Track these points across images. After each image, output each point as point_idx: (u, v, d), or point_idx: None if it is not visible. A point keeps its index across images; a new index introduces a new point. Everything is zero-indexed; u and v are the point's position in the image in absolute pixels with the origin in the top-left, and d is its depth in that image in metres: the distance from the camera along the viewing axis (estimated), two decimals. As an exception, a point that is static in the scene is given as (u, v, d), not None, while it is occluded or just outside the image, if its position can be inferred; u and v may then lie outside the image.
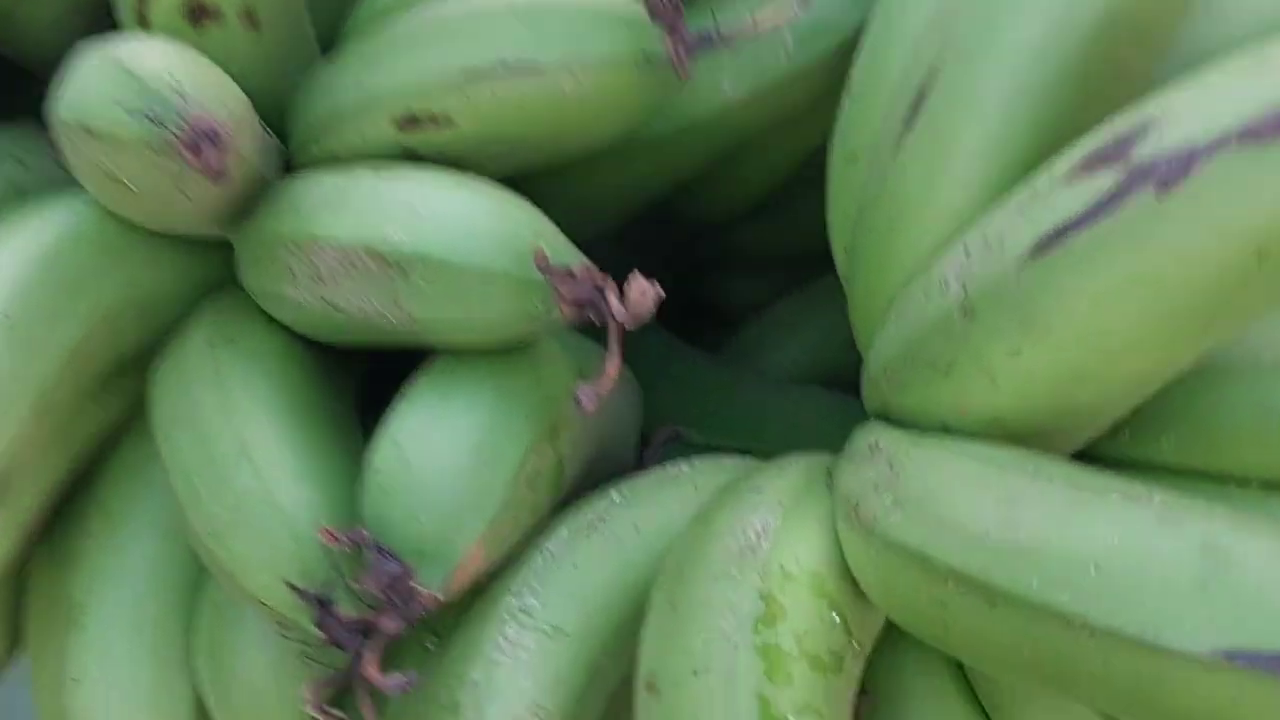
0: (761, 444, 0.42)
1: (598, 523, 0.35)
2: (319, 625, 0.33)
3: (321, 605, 0.33)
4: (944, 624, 0.29)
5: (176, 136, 0.33)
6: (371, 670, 0.31)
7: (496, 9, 0.36)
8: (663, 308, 0.33)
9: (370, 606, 0.32)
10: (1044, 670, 0.28)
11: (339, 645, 0.33)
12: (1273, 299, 0.29)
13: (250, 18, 0.39)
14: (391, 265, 0.34)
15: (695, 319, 0.50)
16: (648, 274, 0.33)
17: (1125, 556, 0.26)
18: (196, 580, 0.39)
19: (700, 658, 0.30)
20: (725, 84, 0.39)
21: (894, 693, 0.34)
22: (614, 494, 0.36)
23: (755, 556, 0.31)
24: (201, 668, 0.39)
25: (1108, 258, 0.28)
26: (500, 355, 0.35)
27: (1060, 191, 0.29)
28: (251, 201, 0.38)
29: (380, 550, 0.32)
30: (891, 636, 0.35)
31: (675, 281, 0.50)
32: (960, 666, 0.35)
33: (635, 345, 0.44)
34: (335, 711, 0.33)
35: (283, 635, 0.36)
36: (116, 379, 0.39)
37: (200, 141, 0.33)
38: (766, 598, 0.31)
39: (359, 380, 0.41)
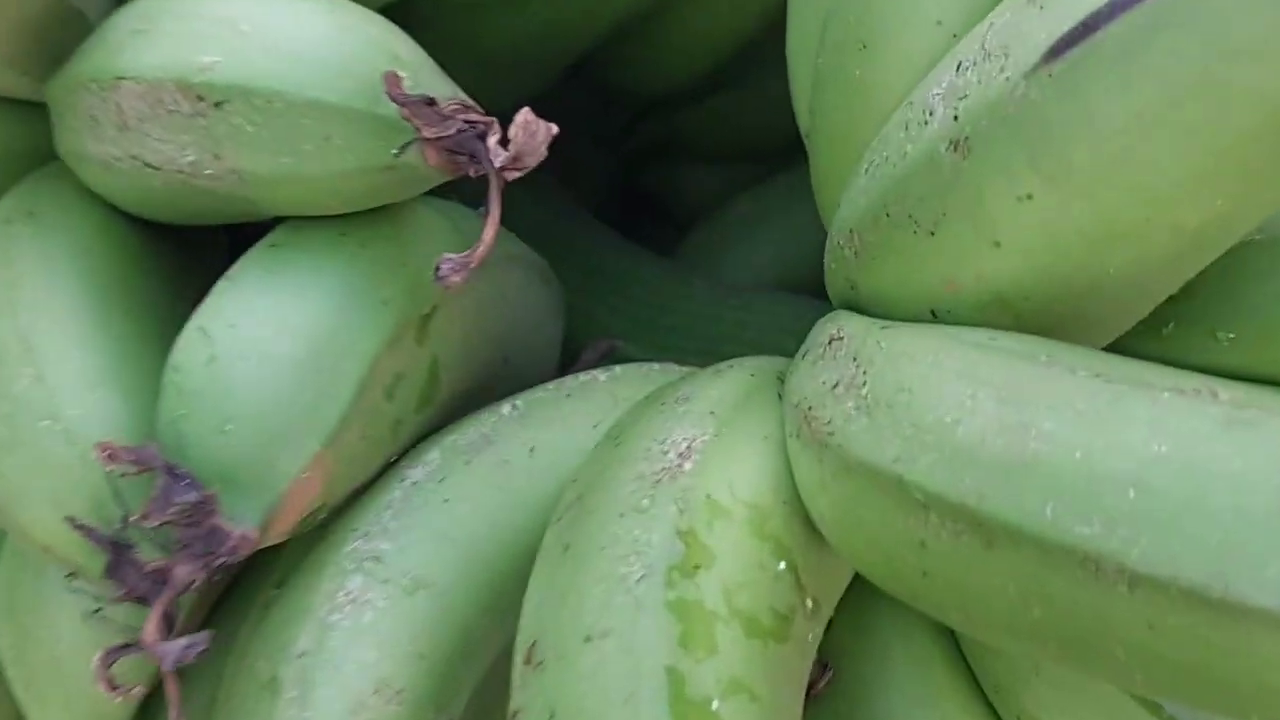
0: (715, 360, 0.34)
1: (482, 444, 0.27)
2: (110, 574, 0.25)
3: (115, 549, 0.25)
4: (923, 572, 0.21)
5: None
6: (150, 631, 0.23)
7: None
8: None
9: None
10: (1060, 635, 0.20)
11: (142, 601, 0.25)
12: None
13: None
14: (206, 102, 0.26)
15: (640, 216, 0.42)
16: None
17: (1180, 476, 0.18)
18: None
19: (594, 619, 0.22)
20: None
21: (863, 665, 0.26)
22: (506, 407, 0.28)
23: (674, 483, 0.23)
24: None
25: (1154, 56, 0.20)
26: (354, 225, 0.27)
27: None
28: (65, 44, 0.30)
29: (174, 473, 0.24)
30: (859, 591, 0.27)
31: (616, 174, 0.42)
32: (949, 631, 0.27)
33: (564, 239, 0.36)
34: (124, 687, 0.25)
35: (72, 588, 0.28)
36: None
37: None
38: (686, 537, 0.22)
39: (212, 276, 0.33)
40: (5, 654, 0.31)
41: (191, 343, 0.25)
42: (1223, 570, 0.17)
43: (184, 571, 0.23)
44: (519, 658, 0.23)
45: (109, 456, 0.24)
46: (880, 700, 0.26)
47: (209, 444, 0.24)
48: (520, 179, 0.25)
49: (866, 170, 0.25)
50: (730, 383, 0.26)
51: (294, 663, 0.24)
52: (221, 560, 0.24)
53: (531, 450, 0.27)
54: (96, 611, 0.27)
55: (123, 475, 0.24)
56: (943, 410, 0.21)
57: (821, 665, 0.26)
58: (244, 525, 0.24)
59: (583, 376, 0.29)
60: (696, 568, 0.22)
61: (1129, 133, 0.20)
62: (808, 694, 0.26)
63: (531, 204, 0.40)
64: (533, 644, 0.23)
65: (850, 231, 0.25)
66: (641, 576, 0.22)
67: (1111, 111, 0.20)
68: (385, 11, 0.28)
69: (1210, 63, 0.20)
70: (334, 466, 0.25)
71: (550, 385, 0.28)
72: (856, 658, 0.26)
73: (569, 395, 0.28)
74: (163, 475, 0.24)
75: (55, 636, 0.29)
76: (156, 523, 0.23)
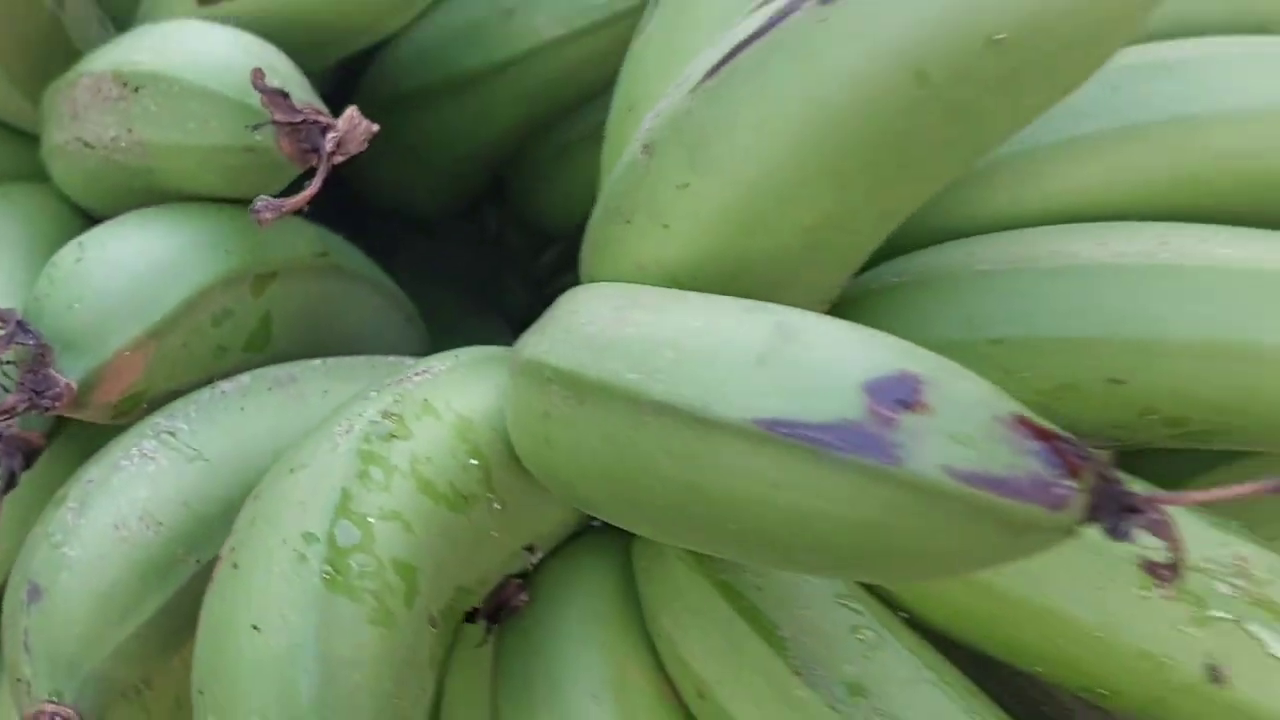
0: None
1: (287, 380, 0.33)
2: None
3: None
4: (547, 439, 0.27)
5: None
6: None
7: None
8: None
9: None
10: (622, 475, 0.25)
11: None
12: (950, 152, 0.27)
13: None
14: (129, 86, 0.33)
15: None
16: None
17: (701, 337, 0.24)
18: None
19: (301, 459, 0.28)
20: (540, 21, 0.39)
21: (555, 594, 0.31)
22: (318, 361, 0.34)
23: (400, 386, 0.29)
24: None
25: (770, 76, 0.27)
26: (228, 203, 0.34)
27: (748, 17, 0.28)
28: (55, 64, 0.38)
29: (25, 328, 0.30)
30: (573, 545, 0.32)
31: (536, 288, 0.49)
32: (629, 566, 0.31)
33: (432, 298, 0.43)
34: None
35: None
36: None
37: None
38: (393, 416, 0.28)
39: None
40: None
41: (69, 250, 0.32)
42: (707, 395, 0.23)
43: (13, 399, 0.30)
44: (248, 500, 0.29)
45: (-19, 315, 0.31)
46: (553, 624, 0.31)
47: (58, 315, 0.31)
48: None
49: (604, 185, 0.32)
50: (491, 349, 0.32)
51: (81, 485, 0.30)
52: (46, 403, 0.30)
53: (325, 393, 0.33)
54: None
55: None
56: (579, 317, 0.27)
57: (519, 585, 0.31)
58: (70, 378, 0.30)
59: (392, 358, 0.35)
60: (394, 437, 0.28)
61: (753, 136, 0.27)
62: (501, 608, 0.31)
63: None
64: (258, 487, 0.29)
65: (588, 236, 0.32)
66: (346, 432, 0.28)
67: (742, 118, 0.27)
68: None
69: (809, 85, 0.27)
70: (153, 358, 0.31)
71: (363, 357, 0.35)
72: (553, 587, 0.31)
73: (374, 366, 0.34)
74: (15, 327, 0.30)
75: None
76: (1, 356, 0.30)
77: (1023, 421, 0.22)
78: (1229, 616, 0.27)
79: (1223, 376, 0.29)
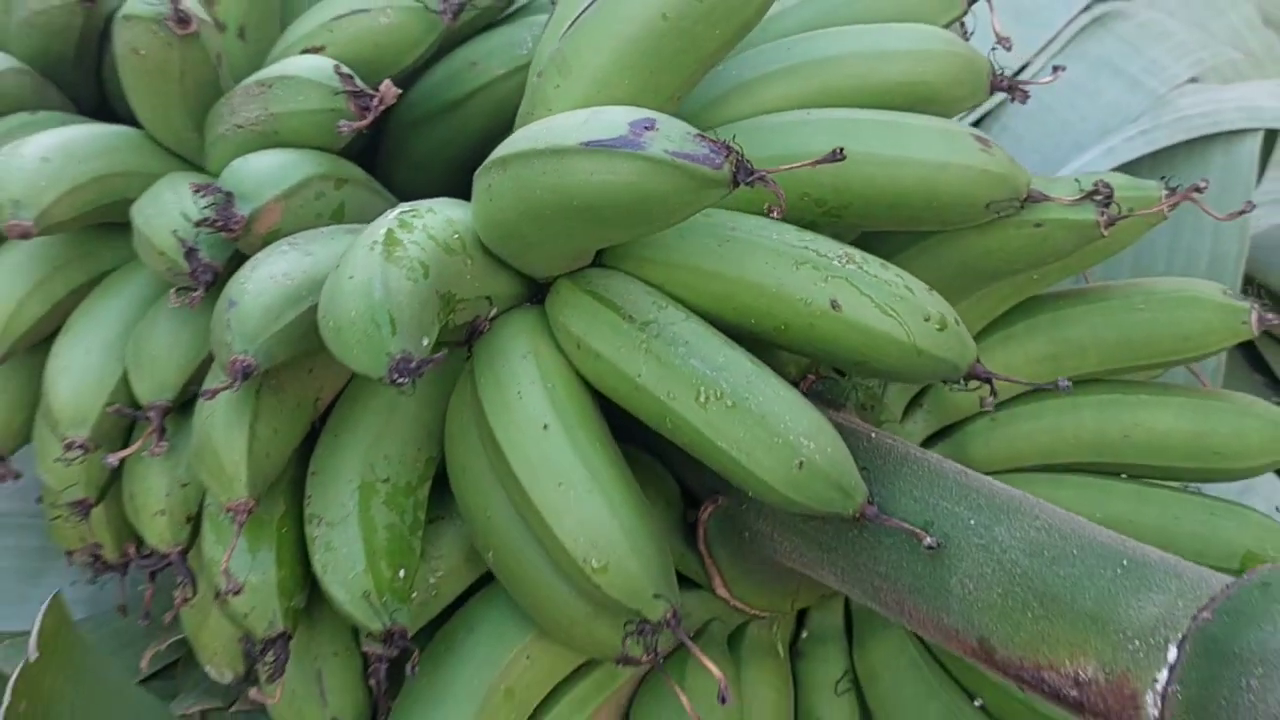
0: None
1: (352, 230, 0.59)
2: (187, 259, 0.58)
3: (190, 250, 0.58)
4: (489, 196, 0.53)
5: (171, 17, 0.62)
6: (198, 261, 0.56)
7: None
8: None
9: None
10: (526, 200, 0.51)
11: (195, 277, 0.58)
12: (692, 57, 0.54)
13: (242, 34, 0.69)
14: (266, 85, 0.61)
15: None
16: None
17: (560, 121, 0.51)
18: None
19: (349, 267, 0.54)
20: (492, 66, 0.67)
21: (502, 331, 0.57)
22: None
23: (412, 206, 0.56)
24: (128, 350, 0.63)
25: (595, 22, 0.54)
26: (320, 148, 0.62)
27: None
28: (211, 102, 0.67)
29: (217, 188, 0.57)
30: (513, 310, 0.58)
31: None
32: (544, 315, 0.57)
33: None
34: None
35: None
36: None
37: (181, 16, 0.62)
38: (409, 215, 0.55)
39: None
40: (129, 361, 0.63)
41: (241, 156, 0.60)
42: (555, 138, 0.50)
43: (212, 216, 0.56)
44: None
45: (195, 189, 0.58)
46: (500, 340, 0.56)
47: (235, 182, 0.58)
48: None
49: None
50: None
51: (250, 261, 0.56)
52: (232, 225, 0.57)
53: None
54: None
55: (204, 203, 0.58)
56: (509, 139, 0.54)
57: (485, 319, 0.57)
58: (243, 211, 0.57)
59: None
60: (412, 218, 0.54)
61: (591, 54, 0.55)
62: (475, 332, 0.56)
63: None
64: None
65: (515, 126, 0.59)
66: (386, 221, 0.54)
67: (585, 46, 0.55)
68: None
69: (616, 23, 0.54)
70: (284, 211, 0.58)
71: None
72: (498, 327, 0.57)
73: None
74: (215, 190, 0.57)
75: (155, 344, 0.62)
76: (206, 202, 0.57)
77: (701, 136, 0.48)
78: (840, 275, 0.53)
79: (855, 178, 0.55)
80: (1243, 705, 0.40)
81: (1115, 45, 0.98)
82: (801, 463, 0.50)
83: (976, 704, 0.61)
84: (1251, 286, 0.77)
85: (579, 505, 0.51)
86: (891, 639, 0.63)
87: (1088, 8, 1.01)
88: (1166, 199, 0.60)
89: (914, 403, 0.65)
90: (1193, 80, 0.95)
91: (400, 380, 0.48)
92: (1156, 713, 0.43)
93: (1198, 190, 0.59)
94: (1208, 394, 0.65)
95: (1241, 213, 0.64)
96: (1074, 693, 0.46)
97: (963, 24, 0.66)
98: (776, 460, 0.50)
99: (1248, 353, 0.99)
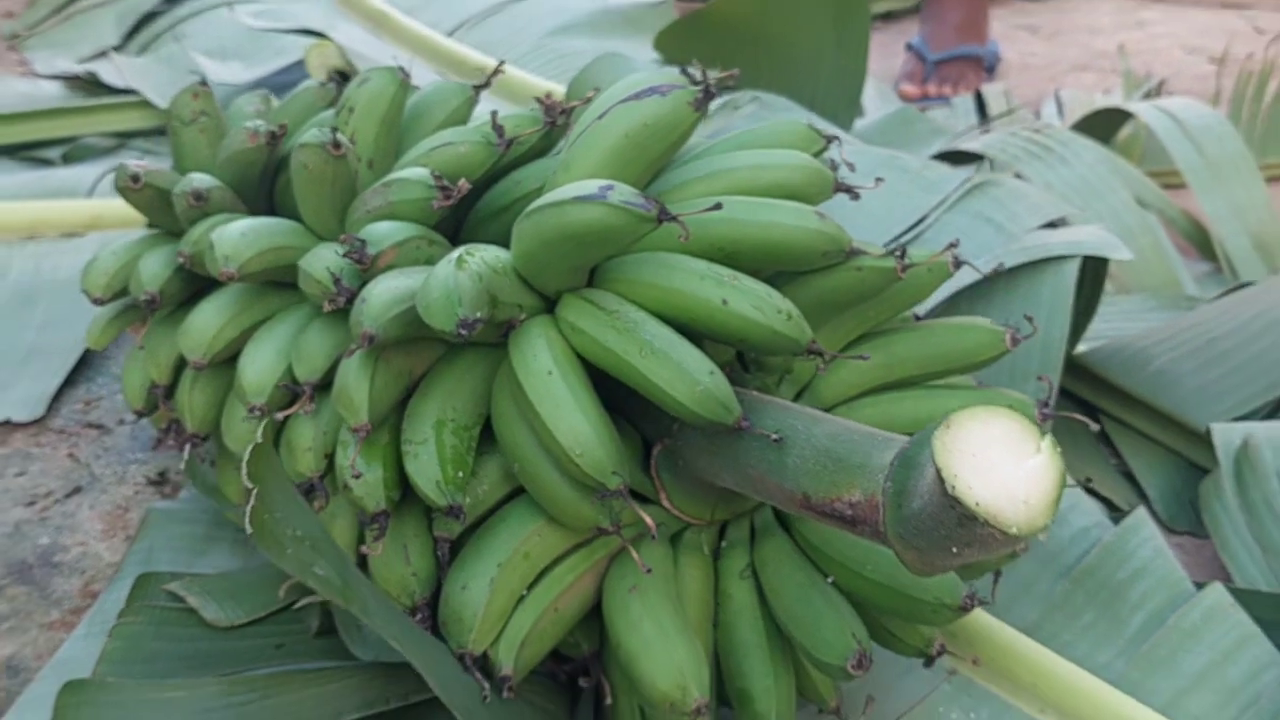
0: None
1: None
2: (335, 284, 0.93)
3: (336, 279, 0.93)
4: (520, 239, 0.88)
5: (329, 144, 0.99)
6: (341, 285, 0.92)
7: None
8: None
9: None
10: (538, 239, 0.86)
11: (339, 294, 0.93)
12: (650, 157, 0.90)
13: (371, 165, 1.06)
14: (388, 186, 0.98)
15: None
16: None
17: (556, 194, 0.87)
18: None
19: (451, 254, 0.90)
20: (529, 180, 1.03)
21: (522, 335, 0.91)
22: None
23: (477, 249, 0.91)
24: (291, 351, 0.98)
25: (591, 138, 0.91)
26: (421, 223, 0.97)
27: (588, 126, 0.92)
28: (348, 201, 1.03)
29: (357, 238, 0.93)
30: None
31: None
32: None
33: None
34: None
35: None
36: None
37: (336, 143, 0.99)
38: (475, 248, 0.90)
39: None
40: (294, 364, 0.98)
41: (365, 229, 0.95)
42: (559, 197, 0.85)
43: (354, 253, 0.92)
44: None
45: (343, 239, 0.94)
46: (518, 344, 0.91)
47: (368, 236, 0.93)
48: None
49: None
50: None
51: (374, 277, 0.91)
52: (364, 260, 0.92)
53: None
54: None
55: (346, 249, 0.93)
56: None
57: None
58: (372, 252, 0.92)
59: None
60: (472, 253, 0.90)
61: (585, 156, 0.91)
62: (510, 329, 0.91)
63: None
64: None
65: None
66: (452, 258, 0.89)
67: (581, 152, 0.91)
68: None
69: (601, 139, 0.91)
70: (395, 257, 0.94)
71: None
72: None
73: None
74: (357, 240, 0.93)
75: (313, 350, 0.97)
76: (348, 248, 0.92)
77: (640, 193, 0.83)
78: (729, 285, 0.87)
79: (741, 234, 0.90)
80: (911, 484, 0.71)
81: (988, 203, 1.33)
82: (701, 388, 0.83)
83: (829, 580, 0.92)
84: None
85: (568, 416, 0.84)
86: (776, 541, 0.94)
87: (971, 179, 1.37)
88: (947, 256, 0.94)
89: (781, 379, 0.98)
90: (1043, 227, 1.31)
91: (463, 333, 0.82)
92: (883, 500, 0.75)
93: (952, 247, 0.93)
94: (983, 390, 0.97)
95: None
96: (849, 511, 0.78)
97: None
98: (686, 387, 0.83)
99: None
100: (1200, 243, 1.64)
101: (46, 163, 1.92)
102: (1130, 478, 1.25)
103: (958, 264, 0.96)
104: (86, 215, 1.69)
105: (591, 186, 0.82)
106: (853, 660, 0.85)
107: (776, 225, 0.89)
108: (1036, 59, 2.37)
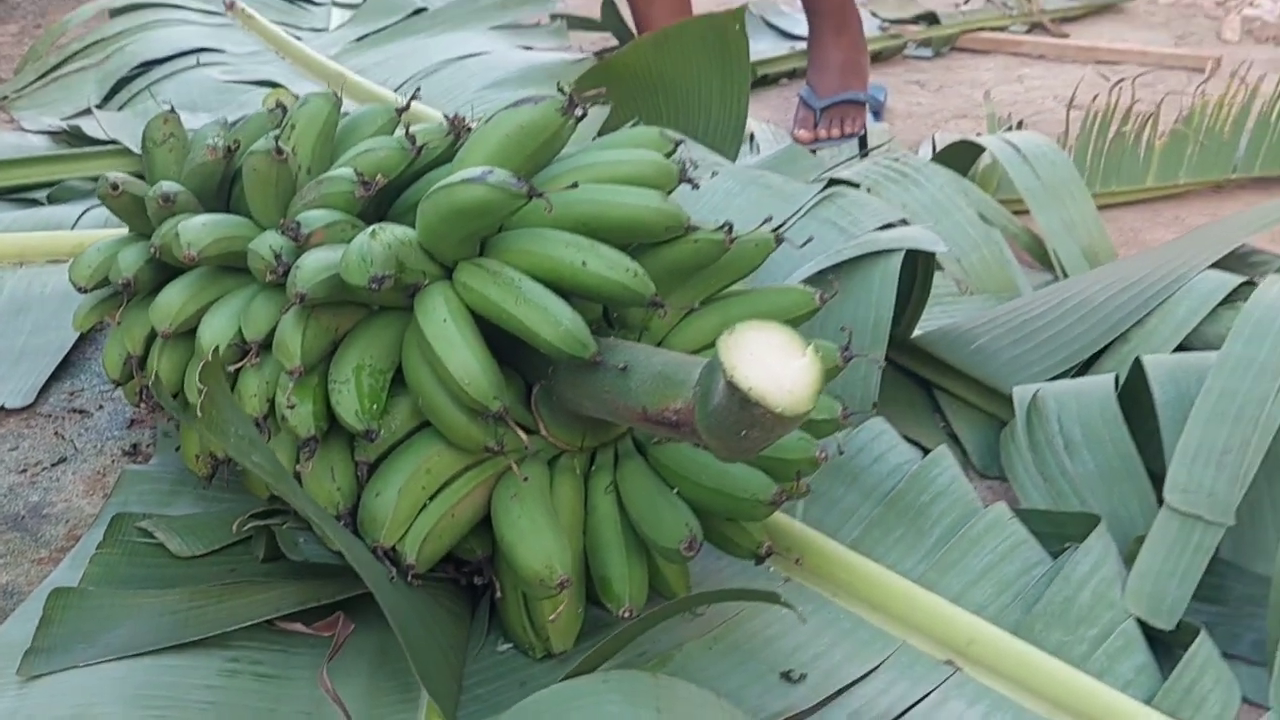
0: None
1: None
2: (276, 260, 1.13)
3: (277, 255, 1.14)
4: (422, 216, 1.09)
5: (274, 151, 1.19)
6: (281, 261, 1.12)
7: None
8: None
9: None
10: (438, 215, 1.07)
11: (279, 267, 1.13)
12: (526, 152, 1.11)
13: (309, 171, 1.27)
14: (320, 182, 1.18)
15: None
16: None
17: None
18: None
19: None
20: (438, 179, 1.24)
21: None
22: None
23: (388, 226, 1.11)
24: (241, 317, 1.17)
25: (482, 133, 1.12)
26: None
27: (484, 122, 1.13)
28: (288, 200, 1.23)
29: (295, 222, 1.13)
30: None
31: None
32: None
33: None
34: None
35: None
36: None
37: (279, 149, 1.19)
38: (386, 224, 1.10)
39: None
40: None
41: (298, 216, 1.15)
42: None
43: (289, 235, 1.12)
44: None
45: (282, 224, 1.14)
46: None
47: (303, 220, 1.14)
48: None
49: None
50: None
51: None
52: (298, 240, 1.12)
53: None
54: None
55: (286, 230, 1.14)
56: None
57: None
58: (306, 232, 1.13)
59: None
60: (385, 228, 1.10)
61: (480, 148, 1.12)
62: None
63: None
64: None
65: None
66: (368, 231, 1.10)
67: (476, 144, 1.12)
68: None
69: (491, 134, 1.11)
70: (325, 237, 1.14)
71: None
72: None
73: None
74: (295, 224, 1.13)
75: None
76: (288, 229, 1.12)
77: (513, 174, 1.04)
78: (587, 250, 1.08)
79: (601, 213, 1.11)
80: (712, 386, 0.91)
81: (835, 210, 1.55)
82: (563, 328, 1.03)
83: (675, 490, 1.12)
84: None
85: (459, 353, 1.04)
86: (634, 463, 1.14)
87: (822, 193, 1.59)
88: (767, 231, 1.15)
89: (640, 335, 1.18)
90: (881, 229, 1.52)
91: (374, 287, 1.02)
92: (694, 403, 0.94)
93: (768, 222, 1.14)
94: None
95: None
96: (674, 418, 0.97)
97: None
98: (552, 328, 1.03)
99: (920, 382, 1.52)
100: (1040, 256, 1.86)
101: (35, 202, 2.11)
102: (955, 438, 1.45)
103: (779, 240, 1.16)
104: (70, 244, 1.88)
105: (476, 171, 1.03)
106: (685, 543, 1.05)
107: (626, 204, 1.09)
108: (921, 108, 2.60)
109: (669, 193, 1.15)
